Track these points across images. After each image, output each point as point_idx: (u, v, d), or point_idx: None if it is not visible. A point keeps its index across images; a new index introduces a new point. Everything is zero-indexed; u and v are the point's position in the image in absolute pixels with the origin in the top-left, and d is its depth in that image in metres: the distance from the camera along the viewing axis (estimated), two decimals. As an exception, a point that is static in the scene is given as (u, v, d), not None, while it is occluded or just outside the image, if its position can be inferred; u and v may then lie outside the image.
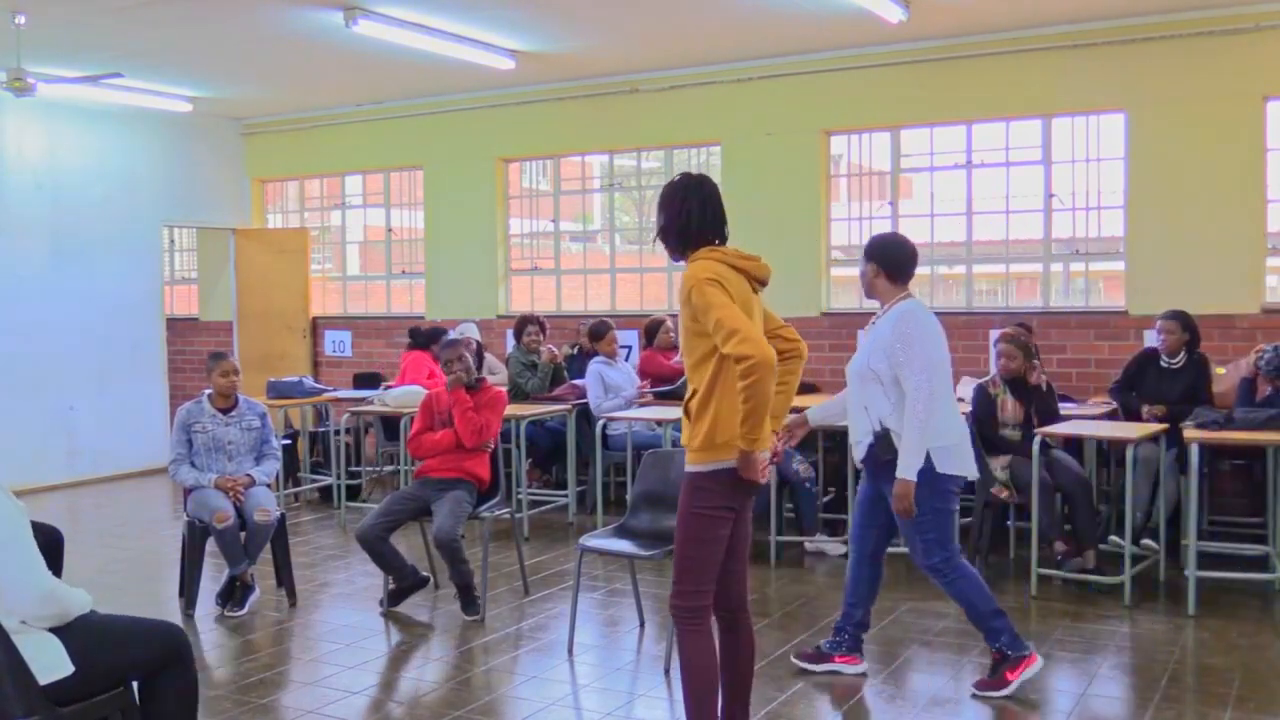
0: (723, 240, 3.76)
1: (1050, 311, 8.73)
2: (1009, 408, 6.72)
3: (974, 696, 4.74)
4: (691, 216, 3.71)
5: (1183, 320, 7.16)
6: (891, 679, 5.03)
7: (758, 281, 3.74)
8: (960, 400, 7.51)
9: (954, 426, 4.60)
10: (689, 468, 3.64)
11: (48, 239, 10.60)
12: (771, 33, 8.64)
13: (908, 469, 4.47)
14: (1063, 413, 6.97)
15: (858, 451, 4.79)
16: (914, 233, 9.40)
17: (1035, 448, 6.27)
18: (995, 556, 7.06)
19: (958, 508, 4.78)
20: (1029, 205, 8.91)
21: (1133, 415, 7.13)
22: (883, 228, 9.50)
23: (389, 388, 9.13)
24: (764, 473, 3.62)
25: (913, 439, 4.47)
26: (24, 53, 8.21)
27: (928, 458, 4.52)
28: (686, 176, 3.81)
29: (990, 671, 4.79)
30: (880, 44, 8.92)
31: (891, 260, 4.70)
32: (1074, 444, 7.20)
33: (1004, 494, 6.63)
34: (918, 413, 4.46)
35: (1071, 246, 8.86)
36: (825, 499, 7.78)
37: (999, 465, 6.64)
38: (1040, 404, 6.69)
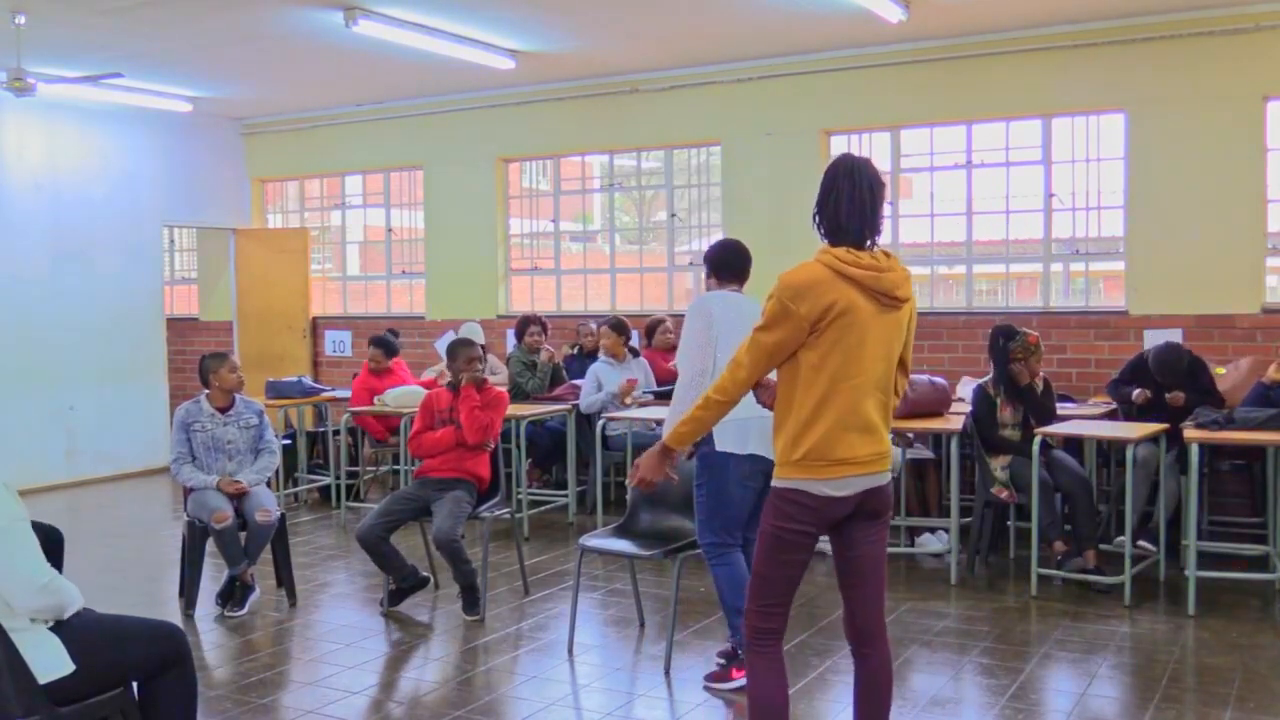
0: (858, 241, 3.32)
1: (1050, 311, 8.73)
2: (1008, 408, 6.72)
3: (705, 688, 4.89)
4: (840, 206, 3.32)
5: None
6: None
7: (882, 295, 3.26)
8: (959, 400, 7.57)
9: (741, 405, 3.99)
10: (773, 481, 3.39)
11: (48, 239, 10.60)
12: (771, 32, 8.64)
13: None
14: (1062, 413, 6.97)
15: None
16: (914, 233, 9.49)
17: (1035, 448, 6.27)
18: (995, 556, 7.07)
19: (748, 494, 4.72)
20: (1029, 205, 8.90)
21: (1131, 410, 7.11)
22: (884, 228, 9.49)
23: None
24: (645, 477, 3.57)
25: (672, 412, 4.65)
26: (24, 53, 8.21)
27: (710, 435, 4.54)
28: (845, 158, 3.40)
29: (723, 663, 4.95)
30: (880, 44, 8.92)
31: (715, 262, 5.06)
32: (1074, 444, 7.20)
33: (1004, 494, 6.63)
34: (678, 389, 4.70)
35: (1071, 246, 8.86)
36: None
37: (999, 465, 6.64)
38: (1035, 405, 6.67)
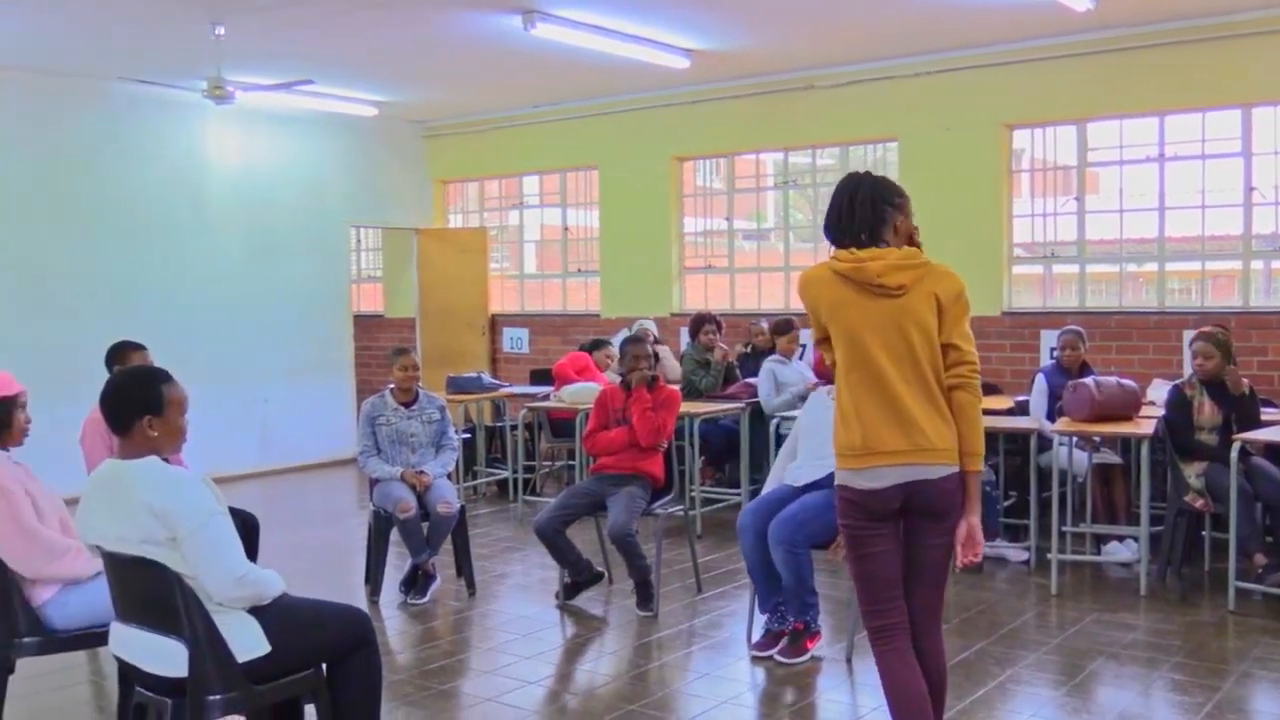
0: (856, 243, 3.44)
1: (1250, 311, 8.29)
2: (1206, 411, 6.38)
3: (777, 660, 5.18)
4: (839, 215, 3.50)
5: None
6: (1077, 691, 4.85)
7: (867, 284, 3.36)
8: (1151, 403, 7.25)
9: None
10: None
11: (243, 239, 11.12)
12: (952, 25, 8.44)
13: None
14: (1264, 418, 6.59)
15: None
16: (1102, 229, 9.15)
17: (1234, 455, 5.95)
18: (1188, 568, 6.73)
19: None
20: (1226, 200, 8.47)
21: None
22: (1068, 224, 9.21)
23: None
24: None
25: None
26: (223, 62, 8.61)
27: None
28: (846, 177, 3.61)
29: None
30: (1066, 34, 8.61)
31: None
32: (1274, 451, 6.80)
33: (1199, 502, 6.31)
34: None
35: (1273, 243, 8.39)
36: (1006, 503, 7.57)
37: (1193, 472, 6.32)
38: (1241, 411, 6.33)
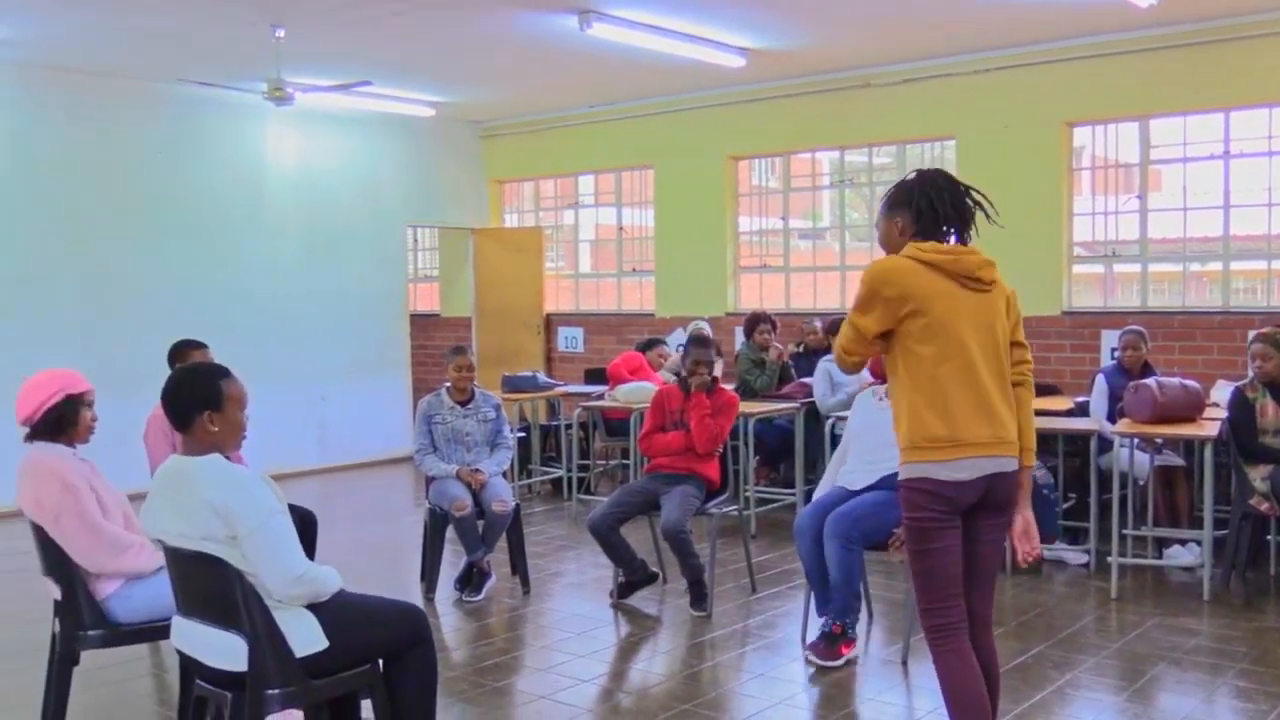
0: (940, 238, 3.51)
1: (1318, 311, 8.12)
2: (1269, 413, 6.26)
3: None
4: (931, 207, 3.53)
5: None
6: (1138, 697, 4.78)
7: (963, 277, 3.41)
8: (1215, 404, 7.13)
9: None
10: (899, 473, 3.47)
11: (301, 238, 11.25)
12: (1011, 22, 8.35)
13: None
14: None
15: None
16: (1164, 228, 9.01)
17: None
18: (1253, 573, 6.61)
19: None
20: (1294, 197, 8.32)
21: None
22: (1130, 222, 9.08)
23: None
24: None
25: None
26: (283, 64, 8.72)
27: None
28: (923, 174, 3.61)
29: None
30: (1129, 29, 8.48)
31: None
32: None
33: (1264, 506, 6.19)
34: None
35: (1343, 241, 8.22)
36: (1065, 505, 7.48)
37: (1258, 475, 6.21)
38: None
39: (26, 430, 4.21)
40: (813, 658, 5.18)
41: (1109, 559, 6.34)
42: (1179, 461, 7.14)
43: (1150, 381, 6.66)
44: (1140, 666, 5.12)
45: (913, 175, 3.58)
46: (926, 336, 3.35)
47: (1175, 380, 6.75)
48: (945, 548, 3.41)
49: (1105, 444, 6.82)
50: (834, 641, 5.19)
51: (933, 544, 3.40)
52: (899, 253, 3.48)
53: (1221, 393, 7.23)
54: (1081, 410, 7.47)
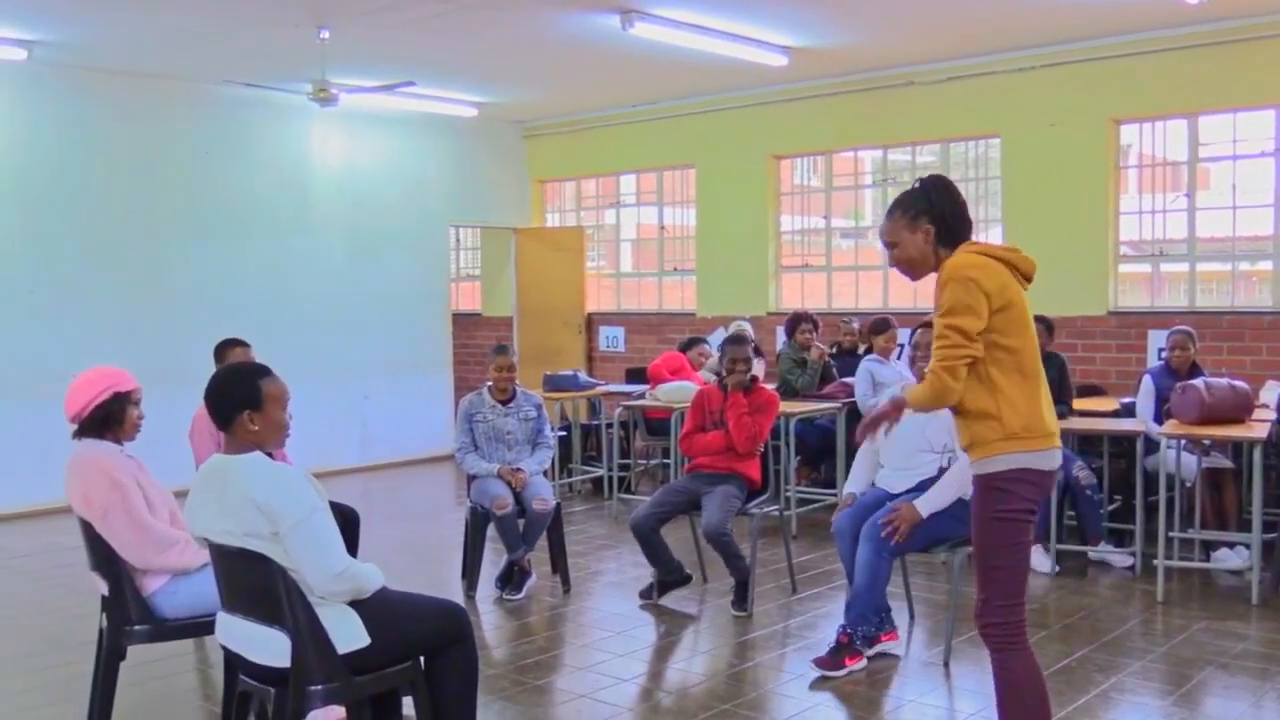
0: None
1: (1371, 311, 7.99)
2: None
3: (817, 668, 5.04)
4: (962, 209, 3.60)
5: None
6: (1184, 701, 4.72)
7: (1025, 276, 3.49)
8: (1264, 406, 7.02)
9: None
10: (979, 469, 3.40)
11: (345, 237, 11.34)
12: (1056, 19, 8.27)
13: None
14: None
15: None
16: (1213, 226, 8.89)
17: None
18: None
19: None
20: (1347, 195, 8.18)
21: None
22: (1178, 221, 8.97)
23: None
24: (871, 432, 3.54)
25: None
26: (327, 65, 8.79)
27: None
28: (935, 179, 3.65)
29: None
30: (1176, 26, 8.38)
31: None
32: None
33: (1314, 508, 6.10)
34: None
35: (1397, 240, 8.08)
36: (1110, 507, 7.39)
37: (1309, 477, 6.12)
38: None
39: (74, 427, 4.27)
40: (815, 666, 5.07)
41: (1155, 562, 6.26)
42: (1227, 463, 7.04)
43: (1198, 382, 6.57)
44: (1187, 671, 5.05)
45: (918, 185, 3.59)
46: (1013, 330, 3.37)
47: (1223, 381, 6.66)
48: (1028, 542, 3.46)
49: (1152, 445, 6.74)
50: (840, 651, 5.08)
51: (1025, 537, 3.42)
52: (938, 257, 3.48)
53: (1271, 393, 7.14)
54: (1127, 411, 7.39)
